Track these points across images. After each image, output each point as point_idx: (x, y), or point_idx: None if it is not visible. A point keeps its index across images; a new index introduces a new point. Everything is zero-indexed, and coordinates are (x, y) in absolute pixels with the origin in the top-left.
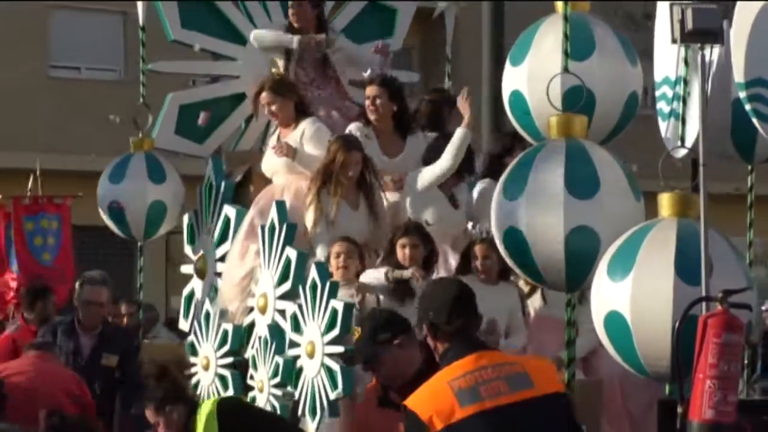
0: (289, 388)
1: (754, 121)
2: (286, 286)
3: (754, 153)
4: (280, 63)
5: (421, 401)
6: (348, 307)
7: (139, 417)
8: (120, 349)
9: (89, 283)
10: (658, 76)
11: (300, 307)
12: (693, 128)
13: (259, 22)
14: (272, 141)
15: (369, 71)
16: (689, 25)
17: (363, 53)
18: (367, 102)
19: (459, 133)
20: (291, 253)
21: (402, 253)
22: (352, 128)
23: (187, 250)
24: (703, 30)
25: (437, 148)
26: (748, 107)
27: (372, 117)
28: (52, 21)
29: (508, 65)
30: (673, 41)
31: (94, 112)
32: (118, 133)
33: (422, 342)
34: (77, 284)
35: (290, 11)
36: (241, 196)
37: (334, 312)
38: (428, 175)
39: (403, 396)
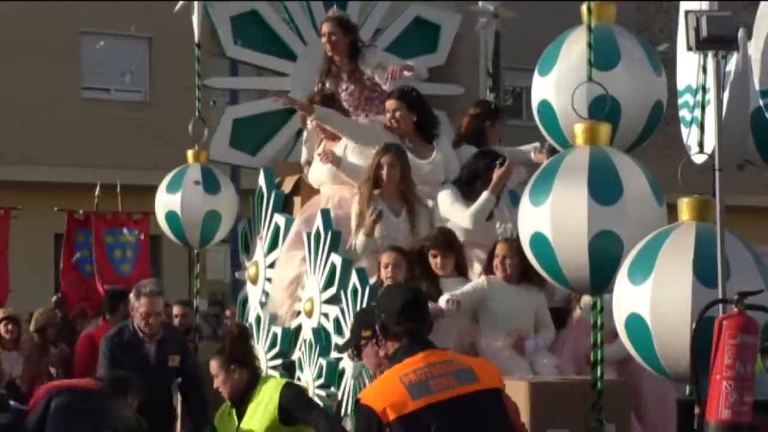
0: (332, 389)
1: None
2: (332, 290)
3: None
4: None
5: (375, 395)
6: None
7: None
8: (180, 349)
9: (146, 295)
10: (680, 85)
11: (342, 311)
12: (712, 134)
13: (308, 37)
14: (317, 153)
15: (387, 85)
16: (704, 32)
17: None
18: (388, 115)
19: (483, 197)
20: (336, 259)
21: (434, 262)
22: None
23: (242, 257)
24: (719, 37)
25: (474, 166)
26: None
27: (396, 130)
28: (83, 46)
29: (536, 75)
30: (689, 48)
31: (123, 129)
32: (147, 151)
33: None
34: (132, 295)
35: (325, 40)
36: (290, 206)
37: None
38: (448, 215)
39: None
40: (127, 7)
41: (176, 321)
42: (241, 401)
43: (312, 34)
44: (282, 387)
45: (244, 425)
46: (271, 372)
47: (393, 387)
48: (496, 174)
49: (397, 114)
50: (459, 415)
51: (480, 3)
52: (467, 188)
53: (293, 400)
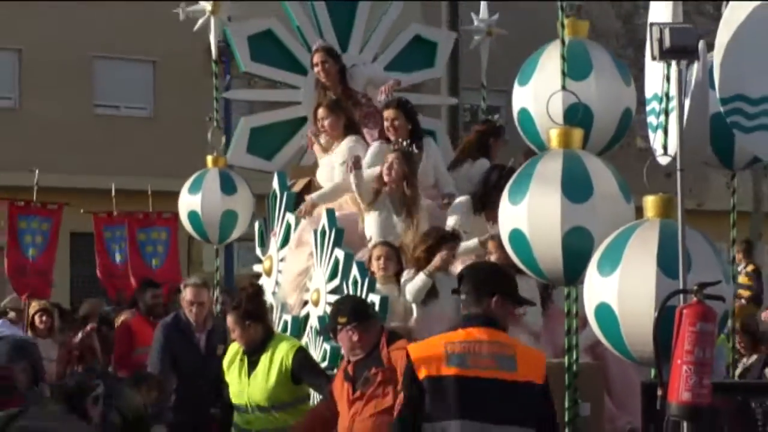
0: (335, 371)
1: (735, 132)
2: (335, 282)
3: (733, 160)
4: None
5: (418, 350)
6: (383, 300)
7: None
8: (223, 338)
9: (190, 286)
10: (648, 93)
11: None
12: (675, 138)
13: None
14: (324, 158)
15: (384, 96)
16: (667, 43)
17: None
18: (387, 123)
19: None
20: (339, 253)
21: (440, 257)
22: (375, 147)
23: (258, 252)
24: (680, 48)
25: (490, 180)
26: (729, 120)
27: (392, 136)
28: (95, 68)
29: (516, 86)
30: (653, 58)
31: (131, 141)
32: (151, 159)
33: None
34: (182, 286)
35: (317, 68)
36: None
37: (372, 305)
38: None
39: (357, 369)
40: (134, 34)
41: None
42: (255, 352)
43: None
44: (296, 349)
45: (256, 374)
46: None
47: (436, 348)
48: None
49: (396, 122)
50: (481, 395)
51: (475, 22)
52: (485, 198)
53: (305, 363)
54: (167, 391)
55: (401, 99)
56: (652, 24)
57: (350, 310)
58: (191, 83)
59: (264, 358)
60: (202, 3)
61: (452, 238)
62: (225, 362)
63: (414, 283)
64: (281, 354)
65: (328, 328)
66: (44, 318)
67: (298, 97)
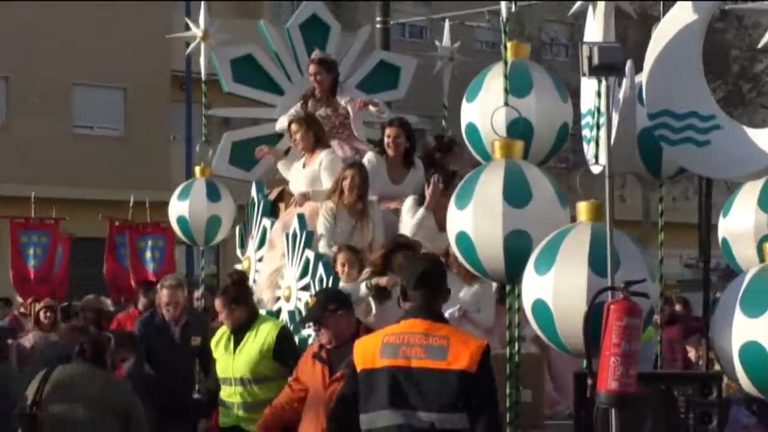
0: None
1: (663, 145)
2: (305, 280)
3: (661, 170)
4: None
5: (359, 344)
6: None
7: None
8: (201, 331)
9: (166, 287)
10: (584, 108)
11: (311, 296)
12: (605, 149)
13: (293, 77)
14: (296, 167)
15: (386, 113)
16: (596, 60)
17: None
18: (388, 140)
19: (419, 213)
20: (309, 254)
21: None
22: (369, 156)
23: (239, 253)
24: (608, 65)
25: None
26: (656, 134)
27: (391, 152)
28: (74, 94)
29: (464, 102)
30: (583, 74)
31: (105, 157)
32: (123, 174)
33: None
34: (159, 287)
35: (312, 78)
36: (276, 211)
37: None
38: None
39: (336, 354)
40: (108, 65)
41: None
42: (240, 331)
43: (297, 74)
44: (280, 327)
45: (241, 350)
46: None
47: (374, 341)
48: (428, 192)
49: (398, 140)
50: (409, 384)
51: (438, 48)
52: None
53: (286, 342)
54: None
55: (404, 119)
56: (583, 43)
57: (339, 299)
58: (156, 108)
59: (249, 336)
60: (194, 30)
61: (409, 247)
62: (213, 342)
63: (360, 289)
64: (266, 331)
65: (312, 317)
66: (48, 314)
67: (274, 114)
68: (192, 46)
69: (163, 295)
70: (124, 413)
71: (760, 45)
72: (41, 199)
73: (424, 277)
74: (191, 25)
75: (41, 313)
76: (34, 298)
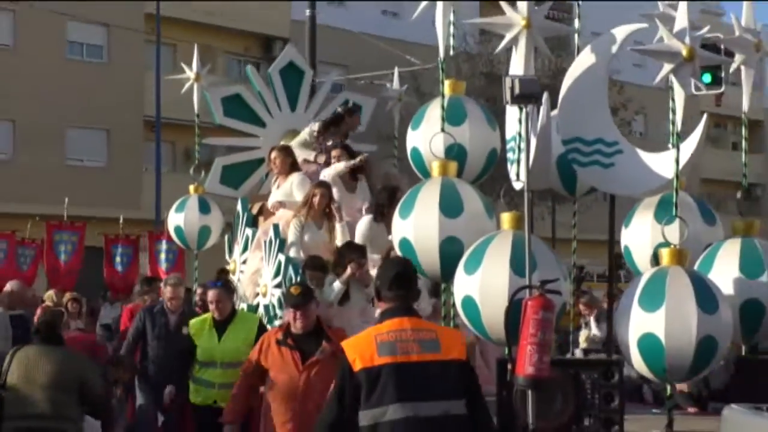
0: None
1: (575, 167)
2: (278, 279)
3: (575, 188)
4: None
5: (351, 346)
6: None
7: None
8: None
9: (170, 285)
10: (508, 134)
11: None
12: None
13: (274, 112)
14: (274, 187)
15: (331, 141)
16: (516, 90)
17: None
18: (334, 160)
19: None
20: (281, 257)
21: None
22: (329, 171)
23: (227, 257)
24: (528, 94)
25: (380, 198)
26: (569, 157)
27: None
28: (68, 134)
29: (409, 130)
30: (505, 103)
31: (92, 183)
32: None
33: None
34: (162, 284)
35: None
36: (257, 223)
37: None
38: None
39: (302, 341)
40: (95, 111)
41: None
42: (223, 322)
43: (276, 109)
44: (259, 321)
45: (226, 338)
46: None
47: (367, 341)
48: (349, 268)
49: (341, 158)
50: (413, 377)
51: (389, 90)
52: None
53: (261, 333)
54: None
55: (345, 144)
56: (506, 76)
57: (312, 292)
58: (132, 145)
59: (232, 326)
60: (188, 73)
61: (357, 250)
62: (192, 331)
63: (334, 287)
64: (249, 323)
65: (299, 302)
66: (74, 304)
67: (257, 143)
68: (186, 86)
69: (167, 291)
70: (79, 385)
71: (656, 81)
72: (41, 215)
73: (398, 277)
74: (186, 68)
75: (69, 304)
76: (61, 286)
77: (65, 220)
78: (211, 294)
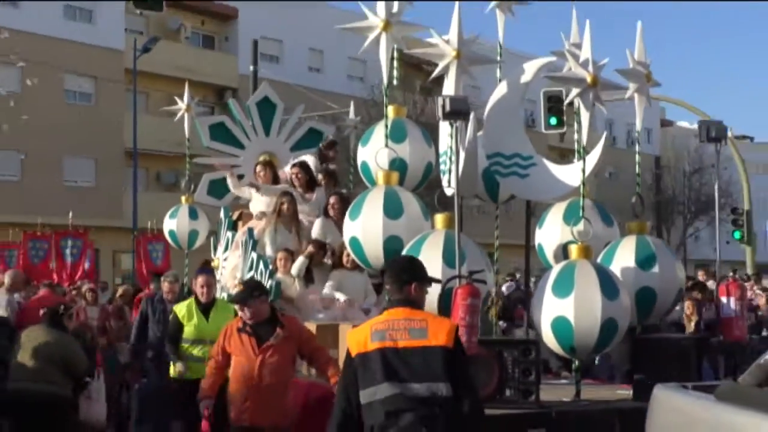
0: None
1: (496, 177)
2: (252, 273)
3: (498, 196)
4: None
5: (351, 335)
6: (278, 283)
7: None
8: None
9: (167, 281)
10: (441, 149)
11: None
12: (454, 176)
13: (251, 137)
14: (256, 197)
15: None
16: (447, 108)
17: None
18: (293, 176)
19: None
20: (254, 255)
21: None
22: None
23: (212, 255)
24: (456, 112)
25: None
26: (491, 169)
27: (296, 183)
28: (65, 161)
29: (360, 146)
30: (438, 119)
31: (84, 199)
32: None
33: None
34: (162, 279)
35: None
36: (236, 227)
37: (271, 286)
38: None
39: (259, 329)
40: (86, 143)
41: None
42: (207, 306)
43: (253, 135)
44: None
45: (212, 320)
46: None
47: (364, 330)
48: (309, 248)
49: (299, 175)
50: (399, 360)
51: (348, 119)
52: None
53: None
54: None
55: (303, 161)
56: (438, 96)
57: (260, 288)
58: (115, 170)
59: (214, 310)
60: (180, 104)
61: (318, 244)
62: (180, 314)
63: (298, 261)
64: (228, 309)
65: (240, 298)
66: (91, 293)
67: (238, 161)
68: (179, 115)
69: (164, 286)
70: (64, 363)
71: (566, 102)
72: (46, 224)
73: (393, 273)
74: (178, 101)
75: (87, 293)
76: (70, 282)
77: (70, 228)
78: (201, 279)
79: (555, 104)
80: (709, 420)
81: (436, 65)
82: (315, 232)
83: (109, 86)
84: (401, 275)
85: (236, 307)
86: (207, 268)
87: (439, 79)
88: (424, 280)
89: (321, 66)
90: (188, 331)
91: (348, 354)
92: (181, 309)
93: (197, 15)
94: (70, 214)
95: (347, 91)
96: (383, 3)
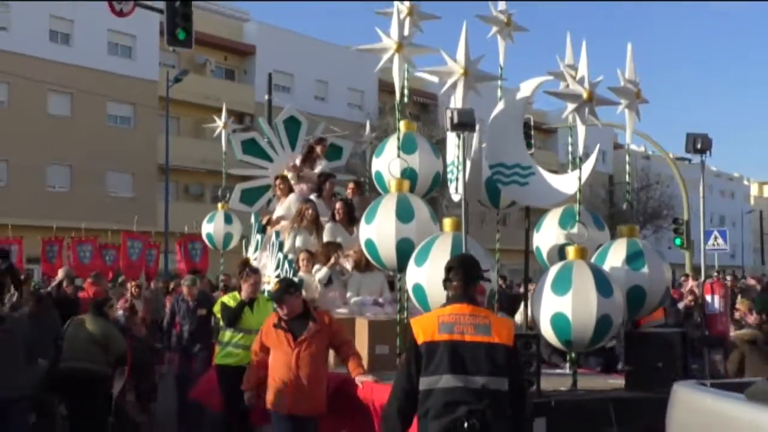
0: None
1: (498, 186)
2: (278, 271)
3: (499, 203)
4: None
5: (417, 322)
6: (300, 281)
7: None
8: (206, 305)
9: (185, 285)
10: (449, 159)
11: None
12: (462, 183)
13: (278, 151)
14: (278, 204)
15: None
16: (455, 120)
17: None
18: (336, 211)
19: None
20: (280, 255)
21: (334, 257)
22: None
23: (244, 255)
24: (463, 123)
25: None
26: (494, 178)
27: (337, 217)
28: (47, 170)
29: (374, 158)
30: (447, 130)
31: (123, 208)
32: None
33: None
34: (182, 283)
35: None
36: (265, 230)
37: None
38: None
39: (293, 325)
40: (126, 160)
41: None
42: (252, 300)
43: (280, 149)
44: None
45: (256, 312)
46: None
47: (431, 321)
48: (332, 260)
49: (341, 210)
50: (464, 354)
51: (365, 135)
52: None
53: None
54: None
55: (348, 200)
56: (447, 108)
57: (293, 285)
58: (150, 183)
59: (257, 304)
60: (218, 122)
61: (334, 246)
62: (231, 304)
63: (322, 271)
64: (268, 304)
65: (277, 297)
66: (137, 289)
67: (267, 173)
68: (217, 131)
69: (184, 289)
70: (105, 344)
71: (563, 116)
72: (89, 229)
73: (459, 270)
74: (216, 119)
75: (133, 288)
76: (131, 276)
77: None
78: (254, 277)
79: (525, 130)
80: (740, 420)
81: (422, 95)
82: (326, 235)
83: (145, 111)
84: (470, 273)
85: (274, 303)
86: (256, 269)
87: (425, 107)
88: (482, 279)
89: (325, 95)
90: (240, 319)
91: (413, 341)
92: (229, 300)
93: (221, 51)
94: (135, 218)
95: (348, 118)
96: (396, 26)
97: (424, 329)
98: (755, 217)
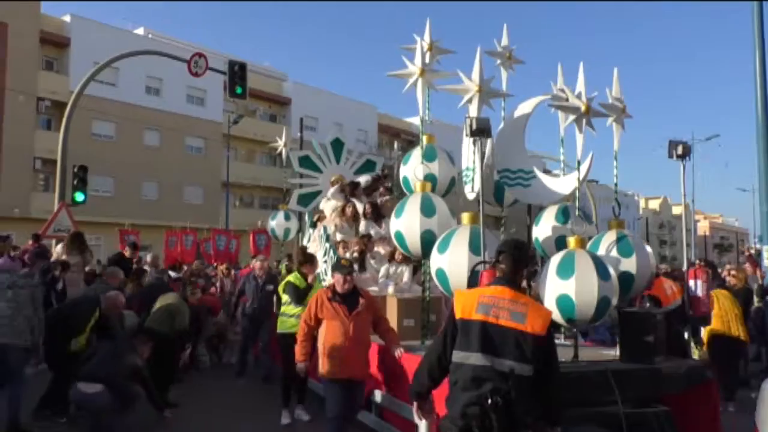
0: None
1: (505, 187)
2: (325, 257)
3: (503, 201)
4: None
5: (461, 296)
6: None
7: None
8: (273, 283)
9: (258, 261)
10: (464, 164)
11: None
12: (477, 185)
13: (327, 164)
14: (327, 204)
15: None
16: (474, 127)
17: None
18: (366, 210)
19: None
20: (327, 245)
21: (360, 246)
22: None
23: (299, 244)
24: (480, 130)
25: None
26: (501, 181)
27: (368, 215)
28: (184, 190)
29: (401, 165)
30: (466, 135)
31: (197, 212)
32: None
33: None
34: (254, 261)
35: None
36: (316, 225)
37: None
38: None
39: (346, 298)
40: (197, 177)
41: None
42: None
43: (328, 163)
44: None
45: (312, 292)
46: None
47: (472, 298)
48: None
49: (369, 210)
50: (495, 336)
51: (393, 151)
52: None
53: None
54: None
55: (375, 202)
56: (466, 117)
57: (353, 265)
58: (214, 194)
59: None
60: (279, 143)
61: (366, 237)
62: (295, 282)
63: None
64: (320, 286)
65: (349, 271)
66: (192, 277)
67: (317, 182)
68: (279, 149)
69: (257, 265)
70: (172, 313)
71: (562, 127)
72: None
73: (506, 255)
74: (278, 140)
75: (224, 270)
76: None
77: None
78: (317, 265)
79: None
80: None
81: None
82: (362, 228)
83: (213, 144)
84: (521, 259)
85: (333, 279)
86: (316, 258)
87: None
88: (523, 262)
89: (341, 134)
90: (298, 297)
91: (452, 315)
92: (296, 280)
93: (266, 101)
94: (220, 219)
95: (356, 149)
96: (419, 55)
97: (463, 306)
98: (643, 223)
